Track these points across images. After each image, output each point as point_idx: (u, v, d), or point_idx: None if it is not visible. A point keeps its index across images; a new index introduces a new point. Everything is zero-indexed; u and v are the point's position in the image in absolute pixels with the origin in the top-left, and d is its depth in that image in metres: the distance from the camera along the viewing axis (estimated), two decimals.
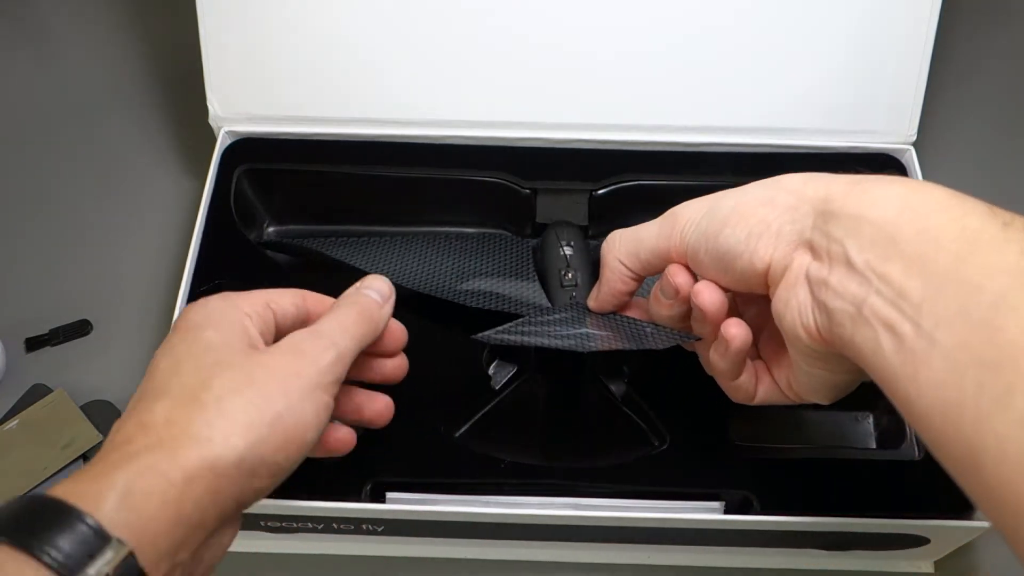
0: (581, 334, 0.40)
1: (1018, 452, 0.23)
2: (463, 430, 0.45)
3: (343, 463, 0.38)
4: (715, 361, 0.36)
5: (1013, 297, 0.25)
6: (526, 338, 0.39)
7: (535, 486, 0.44)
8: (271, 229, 0.55)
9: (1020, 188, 0.63)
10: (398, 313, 0.38)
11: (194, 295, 0.48)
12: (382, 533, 0.45)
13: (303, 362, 0.32)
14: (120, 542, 0.25)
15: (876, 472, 0.44)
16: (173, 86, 0.67)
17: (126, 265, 0.58)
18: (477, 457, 0.44)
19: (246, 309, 0.34)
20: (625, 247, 0.38)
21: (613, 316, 0.41)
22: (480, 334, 0.40)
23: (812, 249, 0.31)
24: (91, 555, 0.25)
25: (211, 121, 0.55)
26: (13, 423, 0.50)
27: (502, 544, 0.47)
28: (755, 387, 0.37)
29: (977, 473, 0.25)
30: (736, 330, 0.34)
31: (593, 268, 0.46)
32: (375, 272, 0.38)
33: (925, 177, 0.54)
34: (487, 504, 0.43)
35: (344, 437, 0.37)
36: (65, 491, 0.26)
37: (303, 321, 0.36)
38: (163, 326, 0.50)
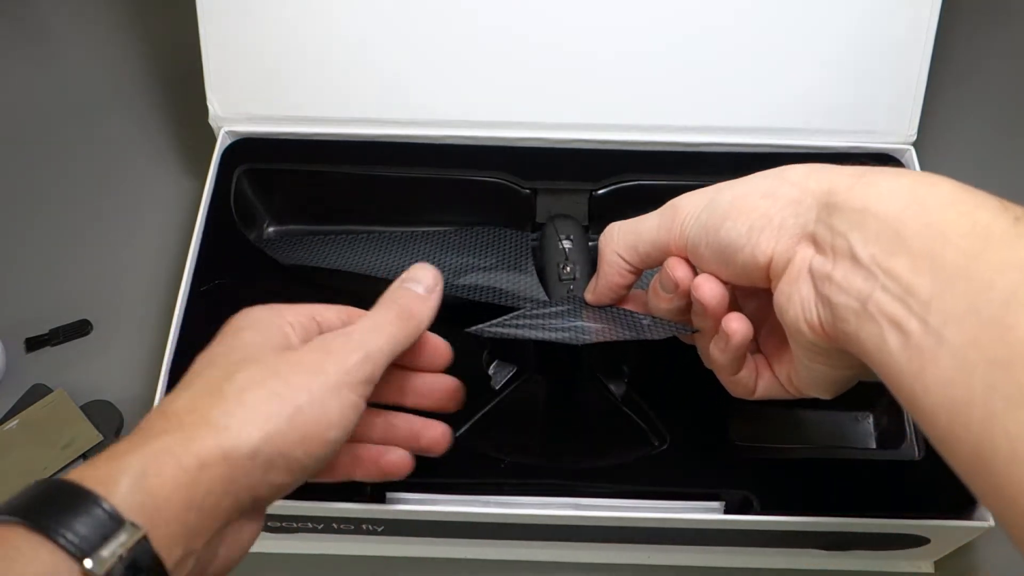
0: (576, 327, 0.40)
1: None
2: (463, 430, 0.45)
3: None
4: (715, 356, 0.36)
5: None
6: (520, 331, 0.39)
7: (535, 486, 0.44)
8: (271, 229, 0.55)
9: (1020, 188, 0.63)
10: None
11: (194, 295, 0.48)
12: (382, 533, 0.45)
13: (329, 360, 0.32)
14: (134, 526, 0.26)
15: (876, 472, 0.44)
16: (173, 86, 0.67)
17: (126, 265, 0.58)
18: (477, 457, 0.44)
19: (289, 318, 0.34)
20: (623, 240, 0.38)
21: (610, 309, 0.41)
22: (474, 327, 0.39)
23: (815, 242, 0.30)
24: (105, 537, 0.25)
25: (211, 121, 0.55)
26: (13, 423, 0.50)
27: (502, 544, 0.47)
28: (755, 381, 0.37)
29: (986, 473, 0.24)
30: (737, 325, 0.34)
31: (592, 262, 0.46)
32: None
33: None
34: (487, 504, 0.43)
35: (399, 460, 0.37)
36: (81, 475, 0.27)
37: None
38: (163, 326, 0.50)
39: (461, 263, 0.49)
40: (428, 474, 0.44)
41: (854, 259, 0.28)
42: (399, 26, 0.52)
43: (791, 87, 0.54)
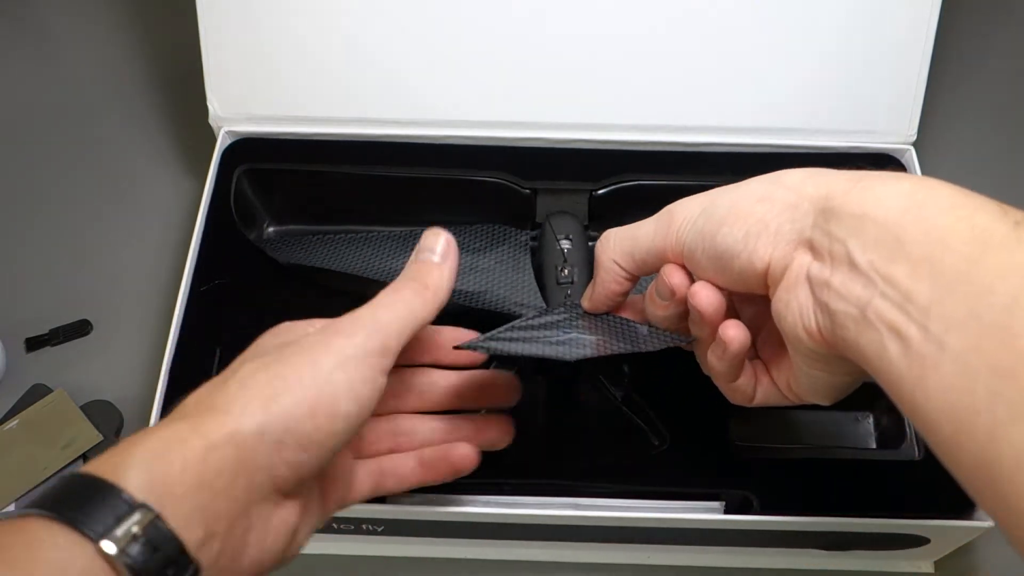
0: (572, 339, 0.39)
1: None
2: None
3: None
4: (713, 363, 0.36)
5: None
6: (514, 346, 0.38)
7: (535, 486, 0.44)
8: (271, 229, 0.55)
9: (1020, 188, 0.63)
10: None
11: (194, 295, 0.48)
12: (382, 533, 0.45)
13: (335, 338, 0.32)
14: (147, 506, 0.26)
15: (876, 472, 0.44)
16: (173, 86, 0.67)
17: (126, 265, 0.58)
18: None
19: (318, 325, 0.34)
20: (620, 247, 0.37)
21: (607, 317, 0.40)
22: (464, 343, 0.38)
23: (813, 248, 0.30)
24: (119, 519, 0.26)
25: (211, 121, 0.55)
26: (13, 423, 0.50)
27: (502, 544, 0.47)
28: (754, 388, 0.36)
29: (990, 481, 0.24)
30: (734, 332, 0.34)
31: (591, 262, 0.46)
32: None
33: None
34: (487, 504, 0.43)
35: (466, 453, 0.37)
36: (95, 465, 0.27)
37: None
38: (163, 326, 0.50)
39: (460, 263, 0.49)
40: None
41: (852, 265, 0.28)
42: (399, 26, 0.52)
43: (791, 87, 0.54)
